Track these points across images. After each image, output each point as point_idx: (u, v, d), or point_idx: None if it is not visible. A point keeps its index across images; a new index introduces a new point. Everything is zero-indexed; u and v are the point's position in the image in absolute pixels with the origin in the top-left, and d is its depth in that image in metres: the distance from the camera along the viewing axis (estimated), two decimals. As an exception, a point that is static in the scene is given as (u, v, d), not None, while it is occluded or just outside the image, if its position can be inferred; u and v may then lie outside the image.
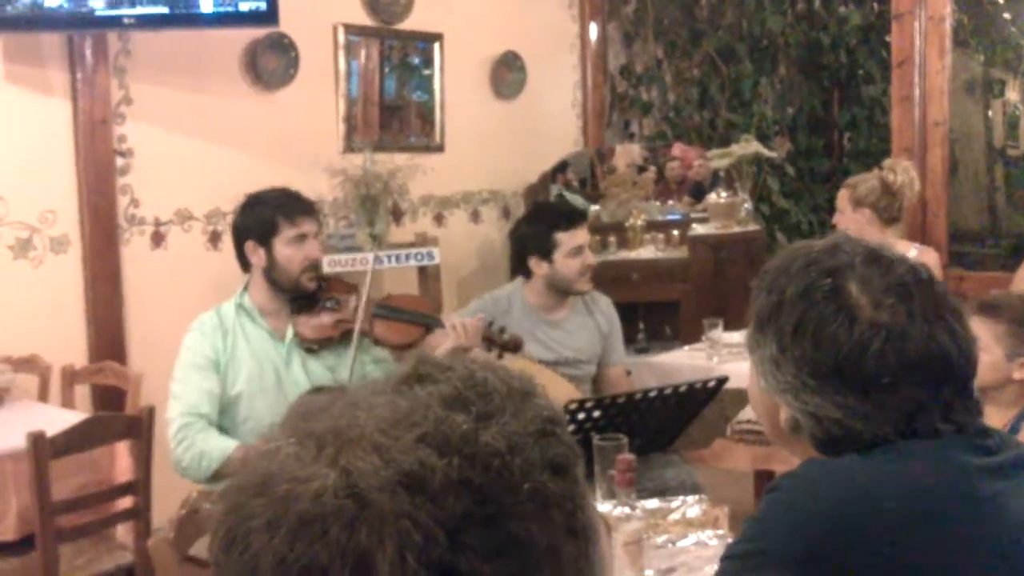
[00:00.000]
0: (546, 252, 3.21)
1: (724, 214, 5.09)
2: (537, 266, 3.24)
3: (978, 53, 6.05)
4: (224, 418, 2.71)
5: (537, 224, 3.32)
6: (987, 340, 2.44)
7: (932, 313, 1.19)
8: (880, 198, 3.74)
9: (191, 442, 2.60)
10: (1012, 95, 6.40)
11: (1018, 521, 1.16)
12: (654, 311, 5.12)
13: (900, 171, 3.81)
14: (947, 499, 1.15)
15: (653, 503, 2.13)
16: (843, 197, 3.80)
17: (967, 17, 5.58)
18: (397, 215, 4.99)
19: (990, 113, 6.36)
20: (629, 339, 4.31)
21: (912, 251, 3.77)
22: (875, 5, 6.49)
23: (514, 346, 2.88)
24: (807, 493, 1.18)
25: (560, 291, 3.26)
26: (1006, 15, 5.73)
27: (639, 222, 5.24)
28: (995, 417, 2.48)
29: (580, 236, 3.22)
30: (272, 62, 4.51)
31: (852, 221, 3.74)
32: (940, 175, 5.08)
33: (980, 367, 2.47)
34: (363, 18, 4.88)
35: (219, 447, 2.60)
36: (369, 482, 0.62)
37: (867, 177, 3.82)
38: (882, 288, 1.19)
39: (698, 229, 5.14)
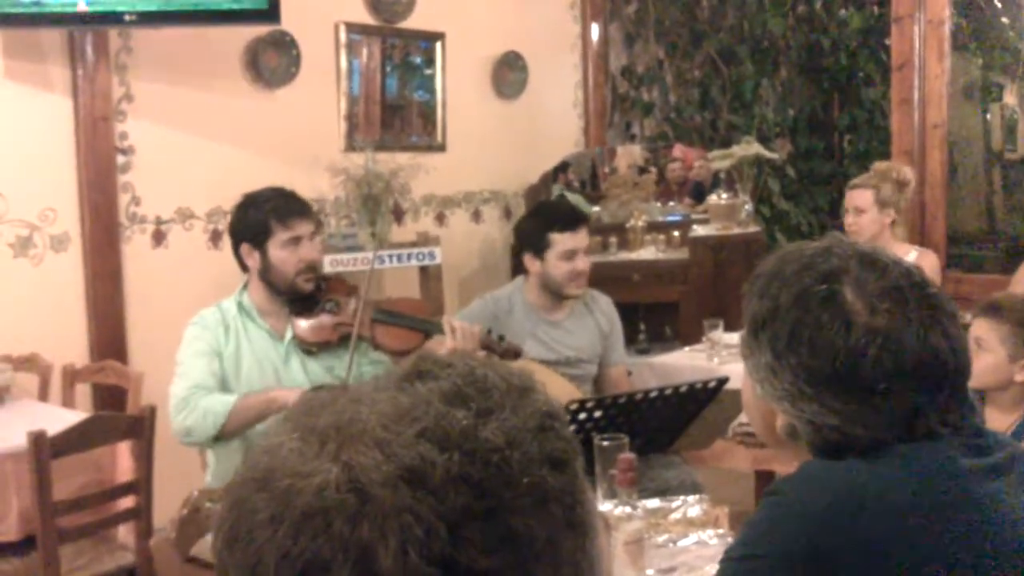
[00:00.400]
0: (539, 250, 3.19)
1: (725, 215, 5.10)
2: (531, 263, 3.23)
3: (977, 57, 6.07)
4: None
5: (535, 220, 3.31)
6: (991, 341, 2.46)
7: (927, 316, 1.19)
8: (900, 199, 3.79)
9: (194, 406, 2.61)
10: (1010, 99, 6.41)
11: (1012, 518, 1.17)
12: (655, 312, 5.13)
13: (907, 172, 3.86)
14: (942, 500, 1.15)
15: (654, 503, 2.14)
16: (866, 198, 3.78)
17: (966, 21, 5.60)
18: (398, 215, 5.00)
19: (988, 117, 6.37)
20: (630, 340, 4.31)
21: (912, 254, 3.78)
22: (875, 8, 6.50)
23: (513, 354, 2.87)
24: (804, 493, 1.19)
25: (552, 292, 3.24)
26: (1004, 19, 5.75)
27: (640, 223, 5.25)
28: (998, 419, 2.49)
29: (574, 240, 3.16)
30: (273, 60, 4.52)
31: (876, 222, 3.76)
32: (939, 178, 5.09)
33: (984, 368, 2.50)
34: (365, 17, 4.89)
35: (222, 401, 2.62)
36: (371, 476, 0.63)
37: (872, 179, 3.83)
38: (877, 292, 1.19)
39: (698, 230, 5.15)
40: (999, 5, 5.78)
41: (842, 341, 1.17)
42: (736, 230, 5.08)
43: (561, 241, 3.16)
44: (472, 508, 0.63)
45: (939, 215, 5.08)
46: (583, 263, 3.20)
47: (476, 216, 5.46)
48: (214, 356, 2.71)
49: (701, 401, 2.65)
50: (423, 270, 4.81)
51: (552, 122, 5.82)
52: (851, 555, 1.13)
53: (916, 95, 5.11)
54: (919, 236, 4.85)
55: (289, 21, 4.26)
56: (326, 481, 0.63)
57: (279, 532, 0.63)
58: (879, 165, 3.92)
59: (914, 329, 1.17)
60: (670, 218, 5.48)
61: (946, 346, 1.19)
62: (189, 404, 2.62)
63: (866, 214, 3.77)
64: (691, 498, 2.16)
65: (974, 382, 2.54)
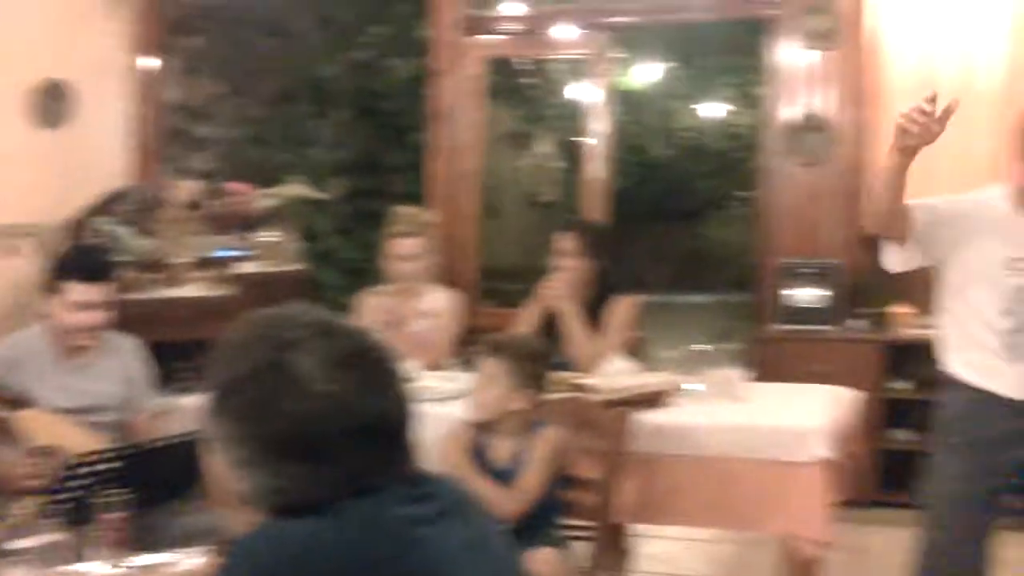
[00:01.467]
0: (50, 293, 3.08)
1: (272, 252, 5.20)
2: (44, 304, 3.11)
3: (511, 110, 6.68)
4: None
5: (55, 262, 3.21)
6: (497, 376, 2.79)
7: (377, 379, 1.30)
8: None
9: None
10: (541, 148, 7.11)
11: (444, 558, 1.29)
12: (200, 350, 5.06)
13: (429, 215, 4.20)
14: (383, 550, 1.24)
15: (151, 559, 2.10)
16: (421, 244, 3.97)
17: (500, 78, 6.15)
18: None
19: (522, 163, 7.04)
20: (172, 380, 4.23)
21: (438, 292, 4.09)
22: (420, 60, 6.96)
23: (20, 403, 2.75)
24: (249, 555, 1.24)
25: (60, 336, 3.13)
26: (533, 80, 6.40)
27: (188, 259, 5.17)
28: (502, 447, 2.81)
29: (86, 293, 3.05)
30: None
31: (428, 268, 4.00)
32: (471, 219, 5.56)
33: (491, 400, 2.81)
34: None
35: None
36: None
37: (414, 226, 4.08)
38: (330, 360, 1.26)
39: (246, 267, 5.18)
40: (528, 68, 6.43)
41: (295, 408, 1.23)
42: (283, 267, 5.19)
43: (71, 291, 3.05)
44: None
45: (471, 254, 5.54)
46: (90, 318, 3.09)
47: (10, 251, 5.10)
48: None
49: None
50: (-60, 311, 4.41)
51: (99, 154, 5.56)
52: None
53: (453, 142, 5.55)
54: (450, 273, 5.24)
55: None
56: None
57: None
58: (404, 211, 4.19)
59: (363, 392, 1.27)
60: (219, 254, 5.45)
61: (392, 405, 1.30)
62: None
63: (420, 260, 3.99)
64: (195, 550, 2.13)
65: (484, 413, 2.83)
